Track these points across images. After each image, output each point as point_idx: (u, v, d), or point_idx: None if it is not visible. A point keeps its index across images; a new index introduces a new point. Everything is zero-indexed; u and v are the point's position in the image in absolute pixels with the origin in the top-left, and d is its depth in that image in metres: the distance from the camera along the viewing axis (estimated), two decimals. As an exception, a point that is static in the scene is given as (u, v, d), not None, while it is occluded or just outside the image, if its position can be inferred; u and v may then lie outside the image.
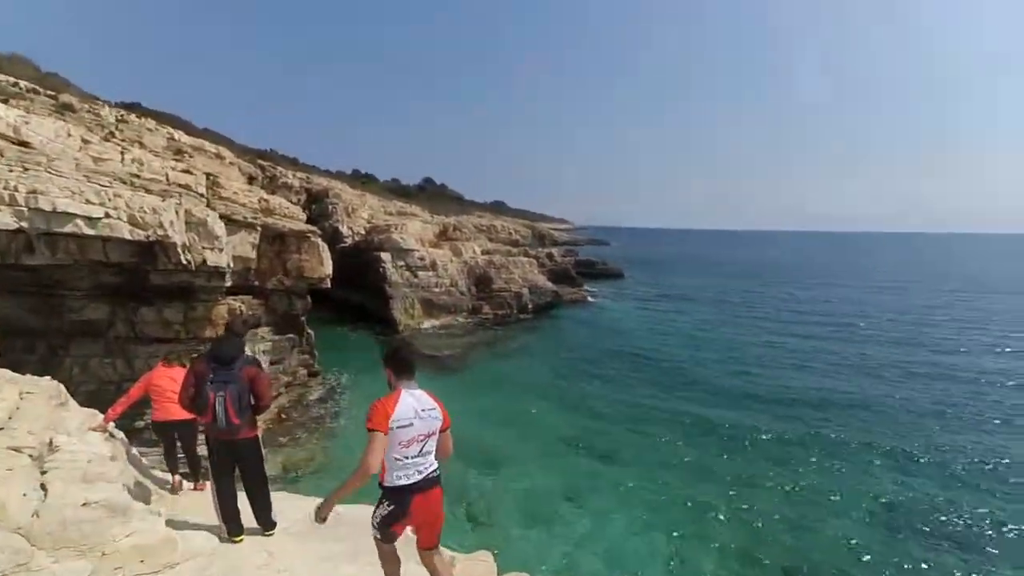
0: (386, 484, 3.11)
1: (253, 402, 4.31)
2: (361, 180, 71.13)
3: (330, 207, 42.75)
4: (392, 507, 3.13)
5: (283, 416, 19.28)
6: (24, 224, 10.05)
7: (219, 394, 4.12)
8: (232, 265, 16.87)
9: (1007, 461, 16.41)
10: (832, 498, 14.54)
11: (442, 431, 3.25)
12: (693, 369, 26.68)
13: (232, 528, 4.34)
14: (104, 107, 24.61)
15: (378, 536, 3.26)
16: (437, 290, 36.61)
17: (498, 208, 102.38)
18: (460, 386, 22.95)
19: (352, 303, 35.59)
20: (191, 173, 19.72)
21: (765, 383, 24.20)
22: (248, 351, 4.70)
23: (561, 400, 22.26)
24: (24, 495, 3.20)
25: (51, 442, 4.07)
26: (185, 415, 5.08)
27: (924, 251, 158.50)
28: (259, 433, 4.58)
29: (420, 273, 36.50)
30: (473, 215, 67.90)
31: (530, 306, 39.90)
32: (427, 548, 3.34)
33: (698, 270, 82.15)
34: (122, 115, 24.00)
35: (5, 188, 10.00)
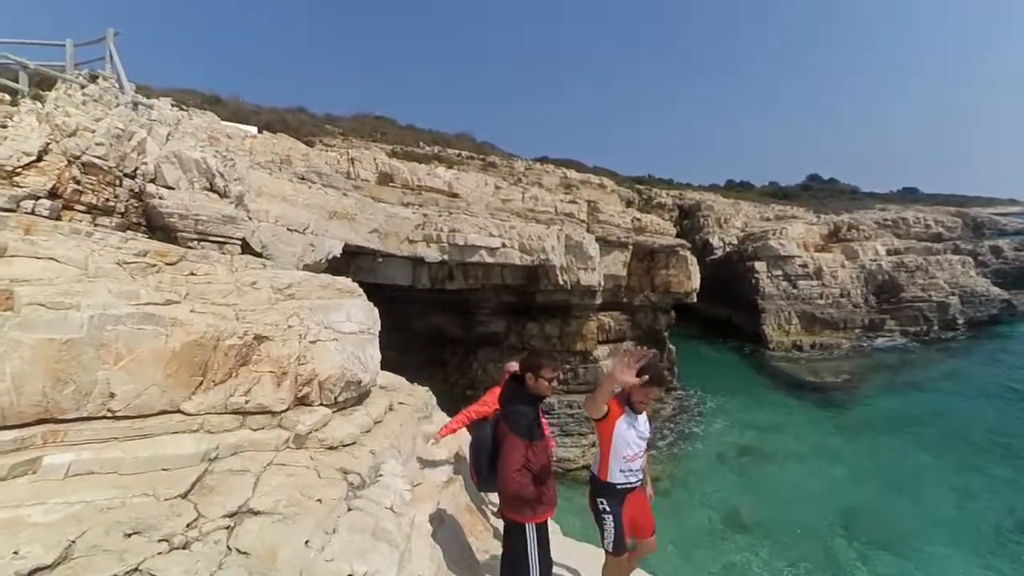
0: None
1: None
2: (736, 188, 66.44)
3: (701, 219, 40.96)
4: None
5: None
6: (445, 257, 12.41)
7: (473, 439, 3.27)
8: (603, 283, 17.44)
9: None
10: None
11: None
12: None
13: None
14: (517, 161, 29.60)
15: None
16: (821, 301, 30.31)
17: (908, 197, 78.96)
18: (847, 427, 17.77)
19: (719, 318, 32.75)
20: (576, 203, 21.55)
21: None
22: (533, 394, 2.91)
23: (1003, 458, 14.73)
24: (306, 543, 2.87)
25: (378, 469, 4.08)
26: None
27: None
28: (523, 520, 2.88)
29: (800, 283, 30.94)
30: (873, 209, 54.21)
31: (960, 320, 29.02)
32: None
33: None
34: (529, 165, 28.36)
35: (436, 230, 12.56)
